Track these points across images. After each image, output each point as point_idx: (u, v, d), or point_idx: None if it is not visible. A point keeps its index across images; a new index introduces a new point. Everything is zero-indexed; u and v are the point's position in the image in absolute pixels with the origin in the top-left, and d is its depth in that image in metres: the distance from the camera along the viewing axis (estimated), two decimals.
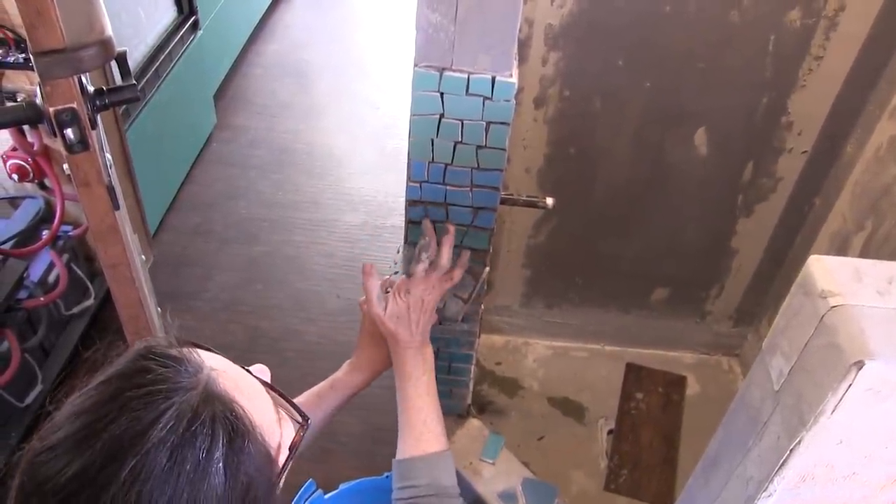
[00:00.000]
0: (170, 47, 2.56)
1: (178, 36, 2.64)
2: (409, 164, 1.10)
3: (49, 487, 0.55)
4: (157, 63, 2.47)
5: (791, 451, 0.64)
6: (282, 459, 0.67)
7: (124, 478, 0.55)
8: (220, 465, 0.58)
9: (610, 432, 1.93)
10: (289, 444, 0.68)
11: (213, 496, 0.58)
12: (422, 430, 1.03)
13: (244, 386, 0.66)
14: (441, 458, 1.02)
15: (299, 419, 0.71)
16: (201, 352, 0.66)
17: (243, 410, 0.62)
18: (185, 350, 0.64)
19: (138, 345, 0.65)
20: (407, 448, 1.03)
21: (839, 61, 1.53)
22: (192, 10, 2.75)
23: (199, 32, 2.83)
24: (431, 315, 1.09)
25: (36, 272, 1.97)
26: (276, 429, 0.67)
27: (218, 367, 0.65)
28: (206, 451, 0.58)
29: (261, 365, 0.72)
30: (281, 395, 0.71)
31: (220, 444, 0.59)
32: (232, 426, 0.60)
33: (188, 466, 0.57)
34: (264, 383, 0.70)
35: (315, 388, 1.12)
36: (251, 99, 3.39)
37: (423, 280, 1.09)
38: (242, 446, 0.61)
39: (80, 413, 0.59)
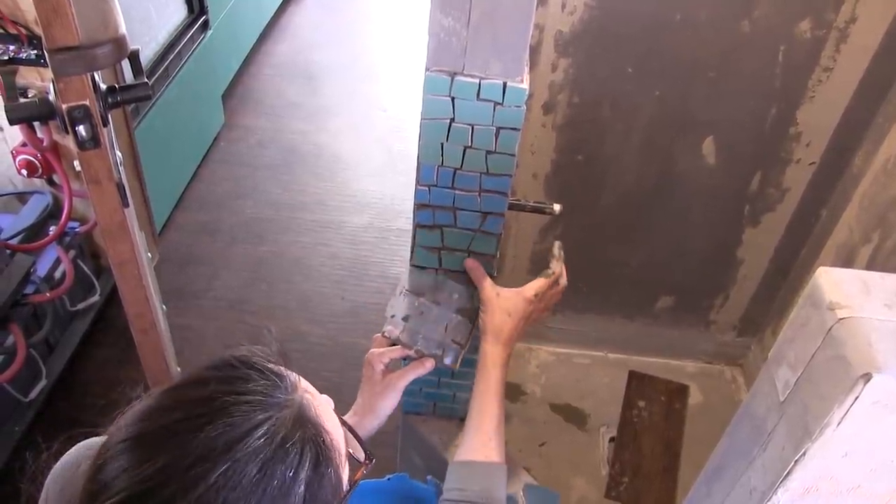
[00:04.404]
0: (180, 46, 2.57)
1: (189, 35, 2.65)
2: (418, 167, 1.10)
3: (134, 474, 0.56)
4: (167, 62, 2.48)
5: (795, 462, 0.64)
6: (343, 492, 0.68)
7: (214, 479, 0.55)
8: (303, 487, 0.59)
9: (611, 440, 1.93)
10: (348, 479, 0.69)
11: None
12: (491, 436, 1.02)
13: (328, 416, 0.67)
14: (500, 470, 1.00)
15: (362, 457, 0.73)
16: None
17: (331, 439, 0.64)
18: (283, 368, 0.66)
19: (237, 351, 0.66)
20: (471, 451, 1.01)
21: (849, 73, 1.53)
22: (203, 10, 2.77)
23: (209, 32, 2.84)
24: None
25: (42, 267, 1.98)
26: (345, 462, 0.68)
27: (310, 391, 0.66)
28: (293, 471, 0.59)
29: (327, 396, 0.72)
30: (352, 431, 0.72)
31: (307, 467, 0.60)
32: (319, 451, 0.62)
33: (275, 482, 0.57)
34: (340, 419, 0.71)
35: None
36: (259, 99, 3.40)
37: (554, 295, 1.12)
38: (325, 473, 0.62)
39: (172, 409, 0.60)
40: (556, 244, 1.17)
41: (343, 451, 0.67)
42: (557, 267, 1.14)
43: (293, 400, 0.63)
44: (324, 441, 0.63)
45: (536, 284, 1.11)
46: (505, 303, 1.09)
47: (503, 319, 1.08)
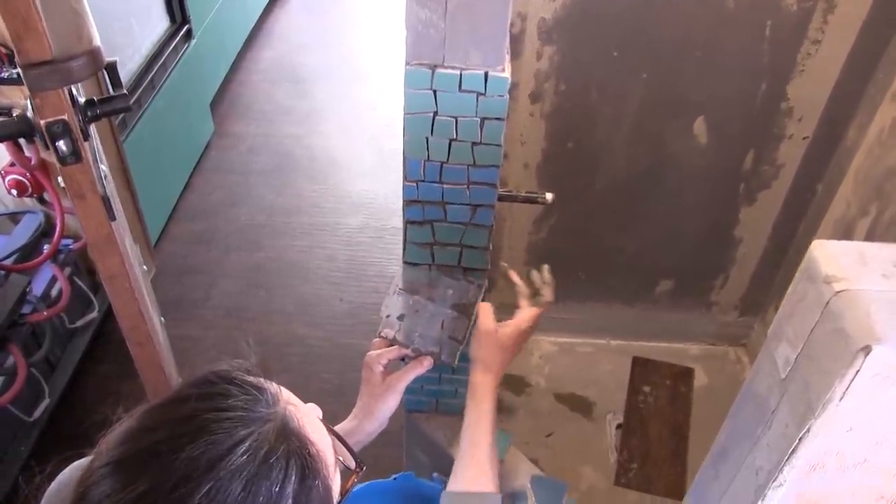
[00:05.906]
0: (164, 56, 2.56)
1: (172, 45, 2.64)
2: (404, 163, 1.09)
3: (118, 500, 0.55)
4: (152, 73, 2.47)
5: (800, 439, 0.63)
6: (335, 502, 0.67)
7: (199, 500, 0.54)
8: (290, 502, 0.58)
9: (618, 427, 1.92)
10: (339, 488, 0.68)
11: None
12: (485, 467, 1.01)
13: (313, 426, 0.65)
14: (495, 500, 1.00)
15: (352, 465, 0.71)
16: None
17: (316, 450, 0.62)
18: (263, 380, 0.64)
19: (217, 366, 0.65)
20: (465, 482, 1.01)
21: (838, 45, 1.51)
22: (185, 19, 2.76)
23: (193, 41, 2.83)
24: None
25: (39, 286, 1.97)
26: (334, 472, 0.67)
27: (293, 402, 0.65)
28: (279, 486, 0.57)
29: (313, 404, 0.71)
30: (340, 439, 0.71)
31: (292, 481, 0.59)
32: (304, 464, 0.60)
33: (261, 499, 0.56)
34: (328, 427, 0.69)
35: None
36: (249, 105, 3.39)
37: (537, 319, 1.13)
38: (312, 485, 0.60)
39: (153, 429, 0.58)
40: (545, 267, 1.17)
41: (331, 461, 0.65)
42: (550, 294, 1.15)
43: (275, 413, 0.61)
44: (309, 453, 0.61)
45: (531, 314, 1.13)
46: (503, 338, 1.09)
47: (496, 353, 1.08)
